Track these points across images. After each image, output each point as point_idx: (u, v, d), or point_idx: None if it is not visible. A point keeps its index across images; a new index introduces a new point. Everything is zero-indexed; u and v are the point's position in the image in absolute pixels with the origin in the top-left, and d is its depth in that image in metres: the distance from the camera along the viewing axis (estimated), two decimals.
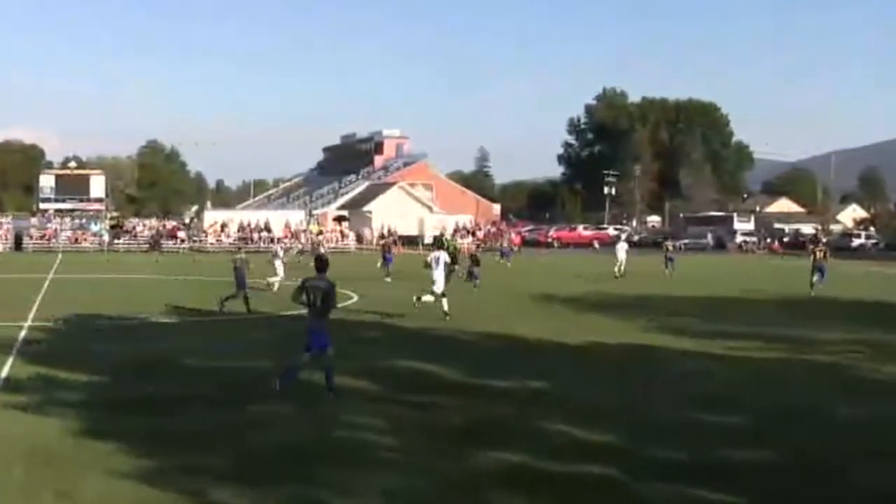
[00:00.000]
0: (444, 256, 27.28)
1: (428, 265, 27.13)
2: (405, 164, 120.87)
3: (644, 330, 24.58)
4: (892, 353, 20.57)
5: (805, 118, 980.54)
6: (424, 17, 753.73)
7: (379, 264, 46.37)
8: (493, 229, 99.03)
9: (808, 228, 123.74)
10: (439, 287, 26.54)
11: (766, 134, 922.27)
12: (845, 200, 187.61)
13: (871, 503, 9.68)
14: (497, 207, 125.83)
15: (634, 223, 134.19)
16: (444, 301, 26.38)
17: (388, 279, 42.10)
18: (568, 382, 16.76)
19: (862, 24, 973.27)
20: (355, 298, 31.87)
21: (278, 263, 37.59)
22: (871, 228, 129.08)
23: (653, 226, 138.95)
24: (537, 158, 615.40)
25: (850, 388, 16.60)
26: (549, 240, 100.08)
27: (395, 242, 67.51)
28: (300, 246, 68.82)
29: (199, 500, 9.65)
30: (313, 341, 14.99)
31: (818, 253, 39.01)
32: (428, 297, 26.75)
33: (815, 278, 37.90)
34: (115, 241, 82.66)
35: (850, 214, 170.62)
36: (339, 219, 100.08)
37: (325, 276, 15.40)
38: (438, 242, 34.56)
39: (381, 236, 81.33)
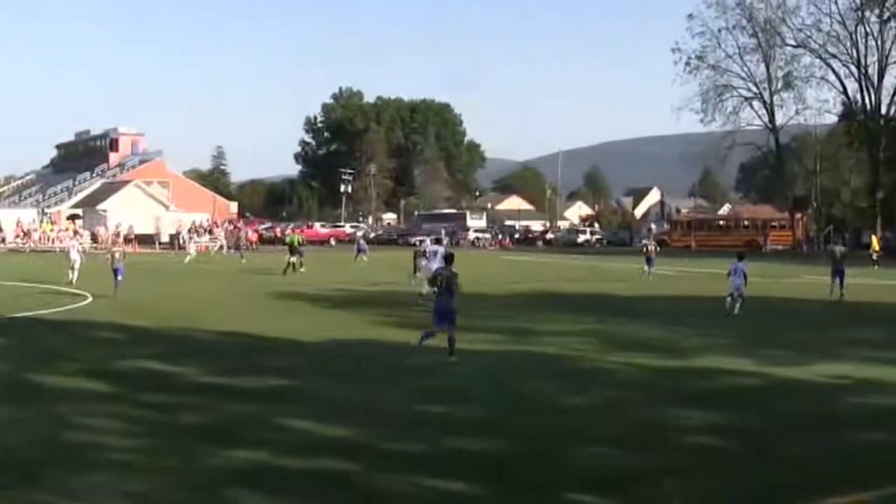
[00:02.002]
0: (441, 250, 29.84)
1: (422, 255, 32.41)
2: (141, 162, 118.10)
3: (382, 325, 24.87)
4: (615, 342, 21.66)
5: (534, 119, 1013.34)
6: (160, 13, 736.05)
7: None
8: (230, 227, 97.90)
9: (537, 225, 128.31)
10: (424, 275, 28.68)
11: (498, 134, 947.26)
12: (572, 198, 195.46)
13: (588, 485, 10.21)
14: (234, 205, 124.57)
15: (370, 220, 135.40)
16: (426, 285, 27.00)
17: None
18: (306, 379, 16.85)
19: (584, 36, 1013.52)
20: (90, 299, 31.01)
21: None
22: (596, 225, 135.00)
23: (388, 223, 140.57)
24: (275, 157, 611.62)
25: (575, 377, 17.36)
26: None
27: (127, 241, 66.14)
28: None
29: None
30: (440, 318, 18.63)
31: (650, 247, 47.00)
32: (427, 288, 26.85)
33: (646, 268, 45.02)
34: None
35: (577, 211, 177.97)
36: (72, 217, 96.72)
37: (450, 266, 19.30)
38: (437, 240, 41.97)
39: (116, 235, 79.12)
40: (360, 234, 78.77)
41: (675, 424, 13.30)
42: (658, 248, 50.68)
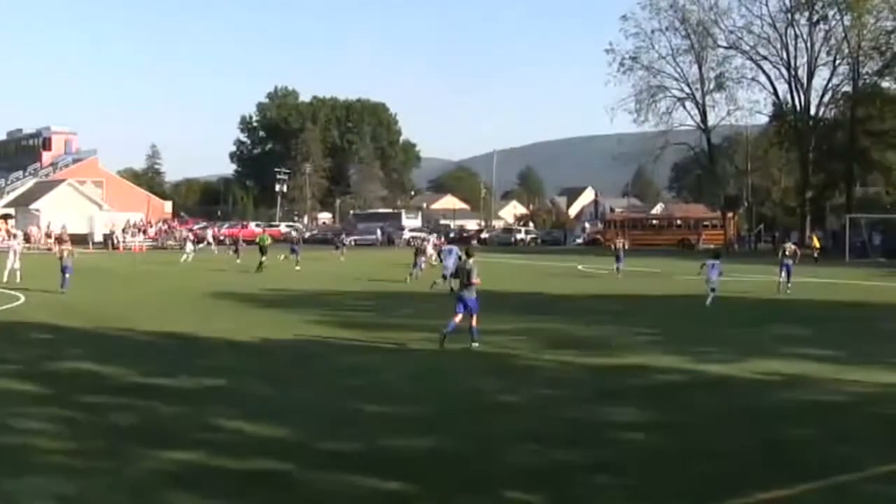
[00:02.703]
0: (455, 249, 37.10)
1: (423, 253, 42.97)
2: (74, 161, 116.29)
3: (317, 324, 24.86)
4: (548, 341, 21.84)
5: (469, 119, 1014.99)
6: (92, 10, 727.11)
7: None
8: (165, 227, 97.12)
9: (472, 224, 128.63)
10: (447, 272, 34.71)
11: (433, 133, 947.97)
12: (506, 197, 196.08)
13: (522, 481, 10.34)
14: (168, 205, 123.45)
15: (306, 220, 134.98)
16: (451, 281, 31.91)
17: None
18: (241, 379, 16.80)
19: (517, 37, 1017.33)
20: (22, 300, 30.68)
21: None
22: (531, 224, 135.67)
23: (324, 223, 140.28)
24: (210, 156, 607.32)
25: (509, 375, 17.51)
26: (223, 237, 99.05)
27: (60, 241, 65.31)
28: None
29: None
30: (465, 305, 20.71)
31: (617, 244, 49.11)
32: (440, 281, 35.55)
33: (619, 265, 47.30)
34: None
35: (511, 211, 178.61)
36: (4, 217, 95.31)
37: (470, 260, 21.33)
38: (451, 240, 48.27)
39: (48, 235, 78.28)
40: (294, 233, 78.67)
41: (606, 421, 13.49)
42: (626, 245, 52.14)
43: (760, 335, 23.51)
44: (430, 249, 48.93)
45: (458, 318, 20.74)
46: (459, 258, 25.27)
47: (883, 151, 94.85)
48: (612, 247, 51.28)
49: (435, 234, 51.97)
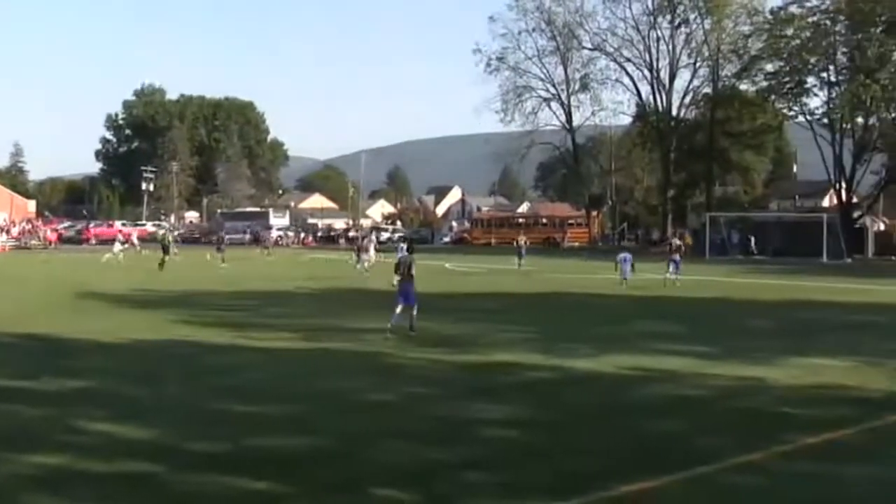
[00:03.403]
0: (404, 246, 39.21)
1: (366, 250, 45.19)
2: None
3: (188, 324, 24.59)
4: (418, 339, 21.80)
5: (338, 119, 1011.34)
6: None
7: None
8: (28, 226, 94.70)
9: (340, 223, 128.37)
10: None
11: (301, 132, 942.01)
12: (374, 196, 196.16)
13: (392, 480, 10.40)
14: (32, 204, 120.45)
15: (173, 219, 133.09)
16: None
17: None
18: (107, 381, 16.51)
19: (388, 37, 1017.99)
20: None
21: None
22: (398, 223, 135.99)
23: (191, 221, 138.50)
24: (75, 154, 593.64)
25: (378, 373, 17.54)
26: (88, 237, 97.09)
27: None
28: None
29: None
30: (405, 298, 22.55)
31: (520, 241, 52.58)
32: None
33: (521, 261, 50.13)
34: None
35: (380, 210, 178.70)
36: None
37: (411, 254, 23.66)
38: (402, 238, 51.29)
39: None
40: (164, 233, 77.75)
41: (476, 418, 13.61)
42: (528, 243, 55.14)
43: (629, 332, 23.93)
44: (371, 250, 50.75)
45: (399, 308, 22.47)
46: (407, 250, 26.29)
47: (741, 152, 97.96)
48: (515, 244, 53.96)
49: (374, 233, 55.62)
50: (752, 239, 72.85)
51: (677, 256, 39.53)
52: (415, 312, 22.54)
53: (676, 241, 43.11)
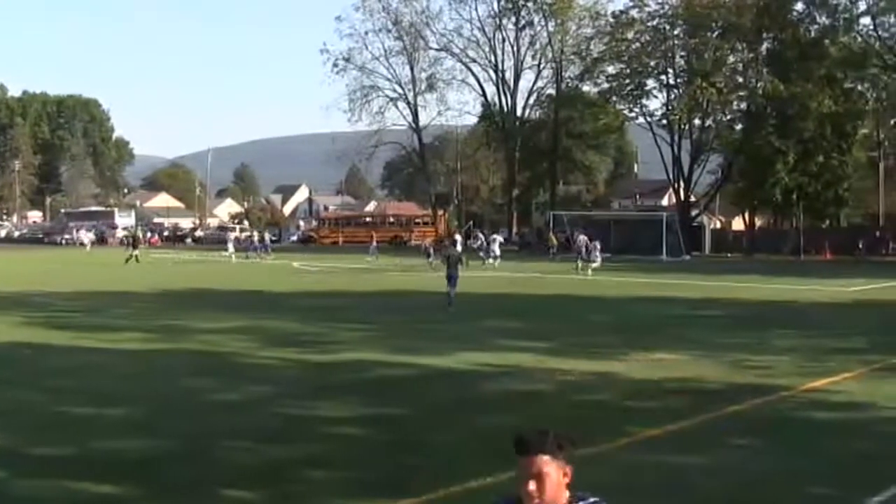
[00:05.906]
0: (459, 239, 49.24)
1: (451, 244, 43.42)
2: None
3: (25, 326, 24.03)
4: (267, 338, 21.82)
5: (184, 116, 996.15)
6: None
7: None
8: None
9: (186, 222, 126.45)
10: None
11: (146, 130, 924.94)
12: (221, 195, 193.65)
13: (238, 480, 10.38)
14: None
15: (15, 219, 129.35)
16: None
17: None
18: None
19: (236, 35, 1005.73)
20: None
21: None
22: (246, 222, 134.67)
23: (34, 221, 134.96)
24: None
25: (226, 373, 17.44)
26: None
27: None
28: None
29: None
30: (453, 281, 29.16)
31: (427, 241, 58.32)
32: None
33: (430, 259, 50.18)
34: None
35: (227, 209, 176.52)
36: None
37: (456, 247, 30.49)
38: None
39: None
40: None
41: (323, 416, 13.72)
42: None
43: (475, 328, 24.32)
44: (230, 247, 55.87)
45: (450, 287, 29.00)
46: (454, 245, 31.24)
47: (584, 151, 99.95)
48: (423, 246, 57.48)
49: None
50: (598, 245, 74.38)
51: (582, 250, 46.95)
52: (454, 292, 29.00)
53: (584, 238, 49.34)
